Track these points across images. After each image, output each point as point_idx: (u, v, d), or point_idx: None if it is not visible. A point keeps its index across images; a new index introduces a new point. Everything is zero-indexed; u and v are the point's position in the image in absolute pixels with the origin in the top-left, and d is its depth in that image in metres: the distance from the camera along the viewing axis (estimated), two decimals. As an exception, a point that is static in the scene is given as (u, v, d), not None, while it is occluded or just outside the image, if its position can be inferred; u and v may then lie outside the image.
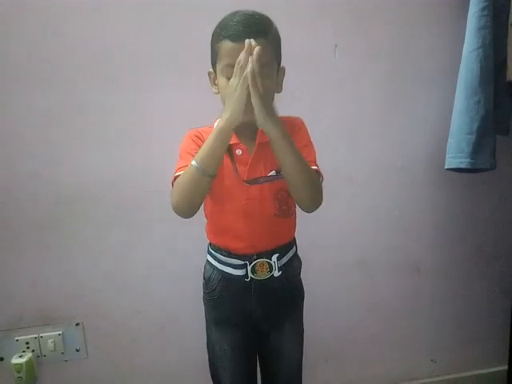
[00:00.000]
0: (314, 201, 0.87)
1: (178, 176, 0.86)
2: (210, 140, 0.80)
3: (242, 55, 0.74)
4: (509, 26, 1.16)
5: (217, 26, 0.84)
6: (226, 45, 0.79)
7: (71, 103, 1.13)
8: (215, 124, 0.90)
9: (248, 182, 0.87)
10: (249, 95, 0.75)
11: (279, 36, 0.87)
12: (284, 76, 0.90)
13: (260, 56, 0.74)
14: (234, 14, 0.82)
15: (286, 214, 0.92)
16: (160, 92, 1.16)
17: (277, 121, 0.78)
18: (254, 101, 0.75)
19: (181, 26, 1.14)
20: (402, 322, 1.47)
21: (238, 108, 0.76)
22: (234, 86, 0.76)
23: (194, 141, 0.91)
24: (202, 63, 1.15)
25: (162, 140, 1.18)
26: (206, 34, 1.13)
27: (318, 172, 0.88)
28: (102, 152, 1.17)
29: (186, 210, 0.87)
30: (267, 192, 0.89)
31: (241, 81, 0.74)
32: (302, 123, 0.95)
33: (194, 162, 0.80)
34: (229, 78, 0.78)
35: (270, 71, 0.83)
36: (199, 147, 0.84)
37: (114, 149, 1.17)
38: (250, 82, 0.73)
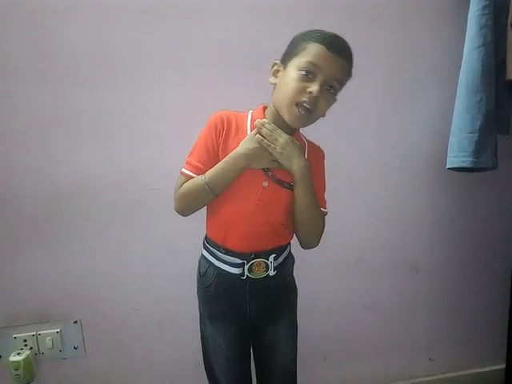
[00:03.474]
0: (310, 242, 0.98)
1: (186, 173, 0.92)
2: (224, 163, 0.87)
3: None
4: (508, 26, 1.16)
5: (307, 31, 0.87)
6: (319, 48, 0.83)
7: (70, 100, 1.12)
8: (249, 113, 0.94)
9: (272, 176, 0.89)
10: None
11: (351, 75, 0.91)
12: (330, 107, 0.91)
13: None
14: (324, 31, 0.86)
15: (289, 226, 0.96)
16: (159, 90, 1.15)
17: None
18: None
19: (180, 25, 1.14)
20: (400, 320, 1.47)
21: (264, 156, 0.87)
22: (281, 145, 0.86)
23: (214, 130, 0.91)
24: (200, 62, 1.15)
25: (160, 138, 1.18)
26: (205, 33, 1.14)
27: (323, 214, 0.97)
28: (101, 149, 1.16)
29: (186, 214, 0.96)
30: (282, 199, 0.91)
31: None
32: (324, 159, 1.01)
33: (203, 179, 0.88)
34: (303, 74, 0.83)
35: (338, 89, 0.88)
36: (217, 139, 0.90)
37: (112, 146, 1.17)
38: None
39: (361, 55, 1.23)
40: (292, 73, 0.84)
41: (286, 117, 0.86)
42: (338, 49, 0.83)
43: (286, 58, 0.89)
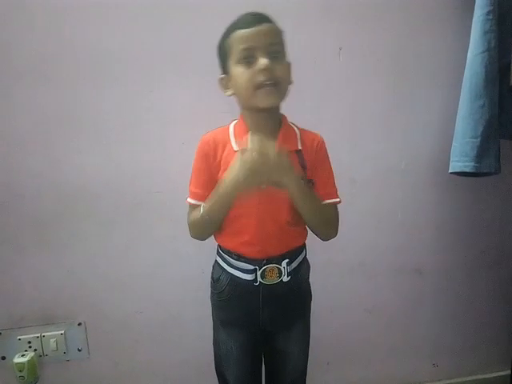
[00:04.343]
0: (327, 235, 0.97)
1: (190, 202, 0.93)
2: (217, 195, 0.86)
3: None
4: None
5: (222, 34, 0.88)
6: (239, 33, 0.83)
7: (73, 102, 1.13)
8: (231, 125, 0.93)
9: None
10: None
11: (281, 30, 0.88)
12: (290, 71, 0.89)
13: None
14: (233, 20, 0.86)
15: (298, 223, 0.93)
16: (161, 92, 1.16)
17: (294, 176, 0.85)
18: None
19: (182, 26, 1.14)
20: (404, 325, 1.46)
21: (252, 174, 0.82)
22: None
23: (203, 158, 0.91)
24: (203, 63, 1.16)
25: (163, 140, 1.18)
26: (207, 34, 1.14)
27: (336, 204, 0.96)
28: (103, 151, 1.17)
29: (204, 239, 0.97)
30: (283, 199, 0.88)
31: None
32: (325, 146, 0.96)
33: (202, 214, 0.89)
34: (245, 63, 0.82)
35: (282, 50, 0.86)
36: (208, 163, 0.90)
37: (115, 148, 1.17)
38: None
39: (365, 59, 1.25)
40: (236, 70, 0.84)
41: (259, 103, 0.83)
42: (253, 20, 0.83)
43: (224, 67, 0.89)
